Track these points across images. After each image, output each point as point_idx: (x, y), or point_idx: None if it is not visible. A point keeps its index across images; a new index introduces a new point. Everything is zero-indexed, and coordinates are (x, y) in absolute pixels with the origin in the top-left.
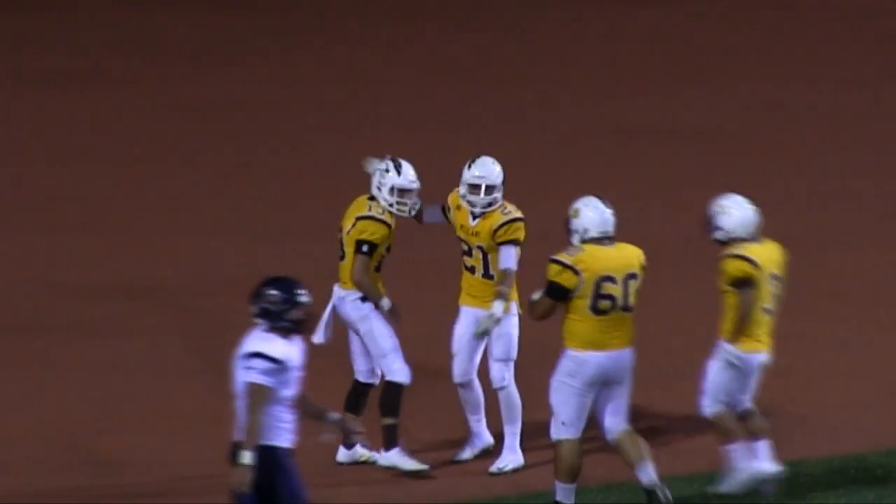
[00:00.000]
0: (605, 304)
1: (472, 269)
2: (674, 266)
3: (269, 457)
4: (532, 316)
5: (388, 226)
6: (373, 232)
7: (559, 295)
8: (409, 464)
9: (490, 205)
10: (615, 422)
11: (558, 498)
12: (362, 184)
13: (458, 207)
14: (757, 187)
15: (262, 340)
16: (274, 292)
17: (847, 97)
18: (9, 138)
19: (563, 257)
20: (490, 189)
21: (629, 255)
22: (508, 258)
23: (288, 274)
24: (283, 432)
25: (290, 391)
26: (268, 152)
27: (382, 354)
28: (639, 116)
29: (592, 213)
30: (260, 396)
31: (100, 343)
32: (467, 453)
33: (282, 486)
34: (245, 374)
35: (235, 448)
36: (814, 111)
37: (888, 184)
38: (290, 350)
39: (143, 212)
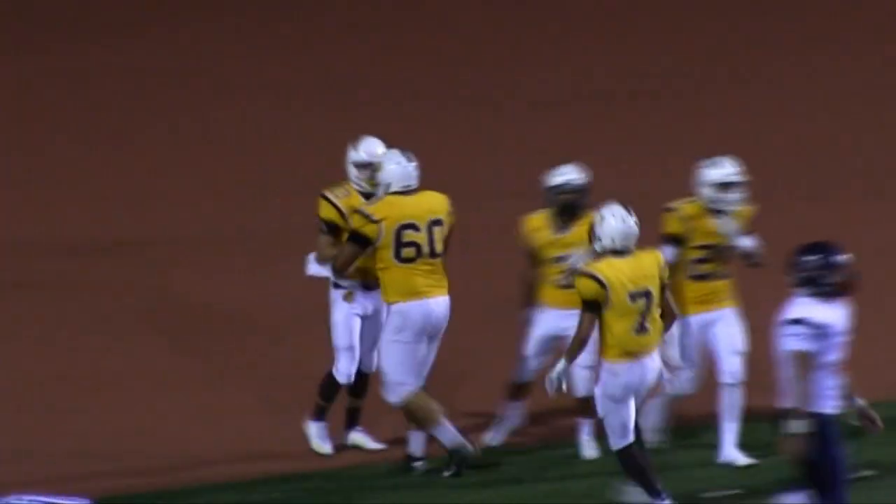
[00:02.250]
0: (409, 251)
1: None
2: None
3: (813, 424)
4: (336, 265)
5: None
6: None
7: (361, 242)
8: (317, 442)
9: None
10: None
11: (446, 441)
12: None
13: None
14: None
15: (802, 306)
16: (811, 258)
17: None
18: None
19: (365, 208)
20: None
21: (429, 202)
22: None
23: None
24: (828, 399)
25: (833, 356)
26: (257, 106)
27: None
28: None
29: (394, 167)
30: (802, 363)
31: (89, 297)
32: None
33: (822, 453)
34: (786, 342)
35: (781, 416)
36: (759, 67)
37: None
38: (831, 314)
39: (131, 166)
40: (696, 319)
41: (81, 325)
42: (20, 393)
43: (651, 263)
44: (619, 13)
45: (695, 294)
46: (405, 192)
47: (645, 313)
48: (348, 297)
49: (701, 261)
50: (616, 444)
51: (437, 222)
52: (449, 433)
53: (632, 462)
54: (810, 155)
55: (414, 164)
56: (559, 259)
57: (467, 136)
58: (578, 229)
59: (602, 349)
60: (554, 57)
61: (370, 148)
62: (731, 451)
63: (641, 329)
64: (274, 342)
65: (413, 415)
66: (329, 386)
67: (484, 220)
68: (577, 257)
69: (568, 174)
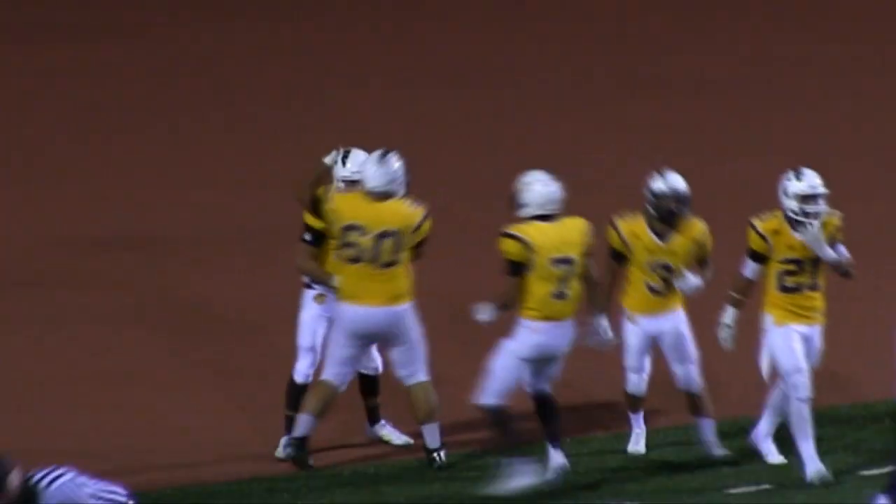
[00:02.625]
0: (349, 252)
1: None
2: None
3: None
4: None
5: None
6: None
7: (311, 206)
8: (279, 448)
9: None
10: (407, 373)
11: (302, 433)
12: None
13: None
14: (763, 141)
15: None
16: None
17: (843, 49)
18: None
19: (331, 192)
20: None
21: (391, 213)
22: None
23: None
24: None
25: None
26: (256, 105)
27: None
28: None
29: (372, 168)
30: None
31: (90, 296)
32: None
33: None
34: None
35: None
36: (807, 63)
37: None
38: None
39: (132, 165)
40: (790, 328)
41: (80, 323)
42: (19, 392)
43: (575, 231)
44: (620, 12)
45: (787, 304)
46: (377, 195)
47: (565, 279)
48: (319, 299)
49: (789, 273)
50: (490, 399)
51: (389, 234)
52: (304, 427)
53: (502, 419)
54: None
55: (395, 168)
56: (656, 266)
57: (467, 135)
58: (679, 237)
59: (521, 309)
60: (554, 57)
61: (357, 163)
62: (769, 446)
63: (560, 295)
64: (274, 341)
65: (312, 394)
66: (291, 392)
67: (484, 220)
68: (689, 281)
69: (673, 182)
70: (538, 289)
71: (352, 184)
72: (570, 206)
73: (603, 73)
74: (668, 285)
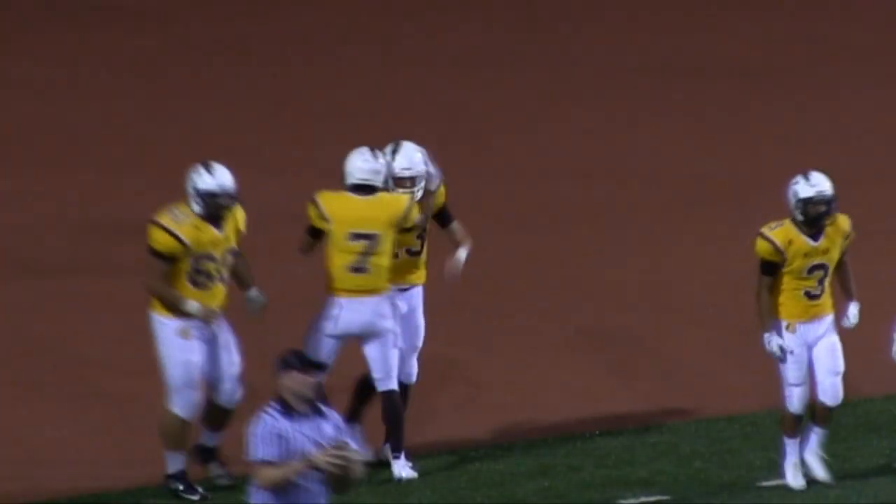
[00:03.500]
0: None
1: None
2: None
3: None
4: None
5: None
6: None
7: None
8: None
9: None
10: None
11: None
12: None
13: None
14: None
15: None
16: None
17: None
18: (41, 77)
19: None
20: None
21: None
22: None
23: None
24: None
25: None
26: (299, 90)
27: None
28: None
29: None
30: None
31: (130, 283)
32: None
33: None
34: None
35: None
36: (848, 47)
37: None
38: None
39: (173, 151)
40: None
41: (96, 311)
42: (39, 377)
43: (387, 208)
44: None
45: None
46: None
47: (365, 255)
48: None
49: None
50: None
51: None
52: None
53: None
54: None
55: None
56: (814, 269)
57: (503, 121)
58: (830, 235)
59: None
60: (554, 52)
61: (411, 158)
62: None
63: (358, 269)
64: (301, 330)
65: None
66: (359, 385)
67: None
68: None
69: (820, 185)
70: (335, 260)
71: (399, 181)
72: (600, 195)
73: (638, 58)
74: (823, 287)
